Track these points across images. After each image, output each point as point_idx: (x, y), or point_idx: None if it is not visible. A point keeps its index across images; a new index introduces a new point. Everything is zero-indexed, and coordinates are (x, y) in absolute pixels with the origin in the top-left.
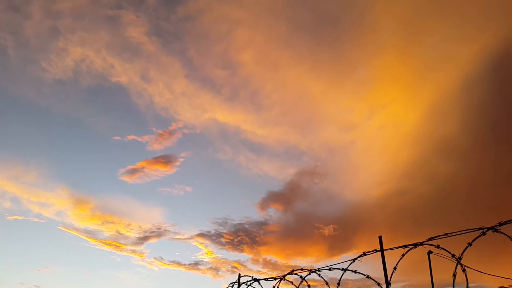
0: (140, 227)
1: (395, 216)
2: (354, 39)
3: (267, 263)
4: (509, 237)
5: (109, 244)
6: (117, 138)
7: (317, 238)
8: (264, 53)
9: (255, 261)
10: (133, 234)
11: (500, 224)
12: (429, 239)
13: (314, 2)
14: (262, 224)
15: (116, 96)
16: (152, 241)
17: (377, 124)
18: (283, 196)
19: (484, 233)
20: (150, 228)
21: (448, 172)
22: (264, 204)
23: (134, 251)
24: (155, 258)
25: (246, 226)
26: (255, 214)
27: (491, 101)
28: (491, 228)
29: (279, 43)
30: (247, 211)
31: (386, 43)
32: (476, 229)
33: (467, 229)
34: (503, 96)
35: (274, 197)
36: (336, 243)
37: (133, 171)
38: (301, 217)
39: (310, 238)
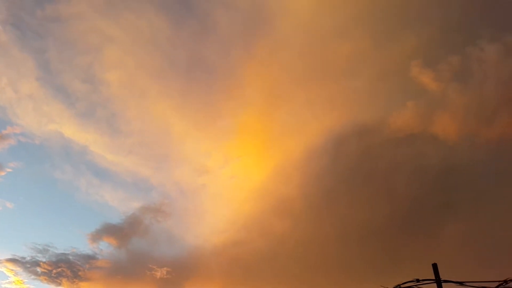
0: None
1: (229, 265)
2: (223, 90)
3: None
4: None
5: None
6: None
7: (148, 279)
8: (133, 78)
9: None
10: None
11: None
12: None
13: (192, 45)
14: (89, 258)
15: None
16: None
17: (229, 174)
18: (120, 230)
19: None
20: None
21: (282, 230)
22: (97, 236)
23: None
24: None
25: (71, 257)
26: (83, 246)
27: (328, 173)
28: None
29: (150, 73)
30: (75, 241)
31: (250, 100)
32: None
33: None
34: (339, 171)
35: (109, 230)
36: (166, 287)
37: None
38: (135, 255)
39: (140, 279)
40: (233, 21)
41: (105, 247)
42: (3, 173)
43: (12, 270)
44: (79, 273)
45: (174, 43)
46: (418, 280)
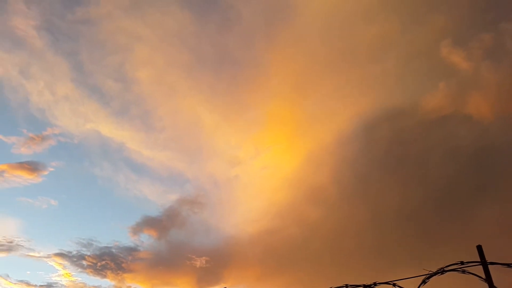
0: None
1: (265, 253)
2: (250, 81)
3: None
4: None
5: None
6: None
7: (187, 269)
8: (162, 75)
9: None
10: None
11: None
12: None
13: (217, 38)
14: (131, 250)
15: None
16: None
17: (261, 164)
18: (159, 222)
19: None
20: None
21: (315, 217)
22: (137, 228)
23: None
24: None
25: (114, 250)
26: (125, 239)
27: (360, 159)
28: None
29: (179, 69)
30: (117, 234)
31: (277, 90)
32: None
33: None
34: (371, 156)
35: (149, 222)
36: (206, 276)
37: None
38: (174, 246)
39: (181, 269)
40: (256, 12)
41: (146, 239)
42: (46, 173)
43: (60, 264)
44: (123, 265)
45: (199, 37)
46: (462, 263)
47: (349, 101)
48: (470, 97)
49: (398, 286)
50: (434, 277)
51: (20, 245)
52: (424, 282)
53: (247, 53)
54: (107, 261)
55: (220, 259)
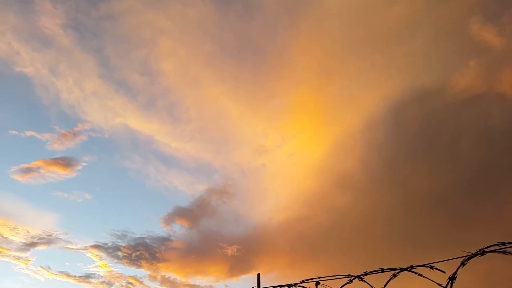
0: (28, 232)
1: (295, 241)
2: (273, 69)
3: (165, 281)
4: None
5: None
6: (13, 132)
7: (219, 257)
8: (186, 67)
9: (153, 278)
10: (19, 239)
11: (366, 274)
12: (303, 281)
13: (240, 27)
14: (164, 240)
15: (18, 86)
16: (40, 248)
17: (288, 152)
18: (190, 212)
19: (351, 281)
20: (40, 234)
21: (345, 204)
22: (169, 219)
23: (18, 258)
24: (41, 267)
25: (147, 240)
26: (158, 229)
27: (388, 143)
28: (357, 276)
29: (202, 60)
30: (150, 225)
31: (301, 78)
32: (345, 276)
33: (336, 275)
34: (400, 140)
35: (180, 213)
36: (238, 264)
37: (27, 170)
38: (206, 235)
39: (213, 257)
40: None
41: (178, 229)
42: (79, 167)
43: (97, 255)
44: (156, 254)
45: (222, 27)
46: (503, 243)
47: (376, 84)
48: (503, 74)
49: (436, 268)
50: (473, 258)
51: (58, 238)
52: (463, 264)
53: (269, 41)
54: (141, 251)
55: (251, 247)
